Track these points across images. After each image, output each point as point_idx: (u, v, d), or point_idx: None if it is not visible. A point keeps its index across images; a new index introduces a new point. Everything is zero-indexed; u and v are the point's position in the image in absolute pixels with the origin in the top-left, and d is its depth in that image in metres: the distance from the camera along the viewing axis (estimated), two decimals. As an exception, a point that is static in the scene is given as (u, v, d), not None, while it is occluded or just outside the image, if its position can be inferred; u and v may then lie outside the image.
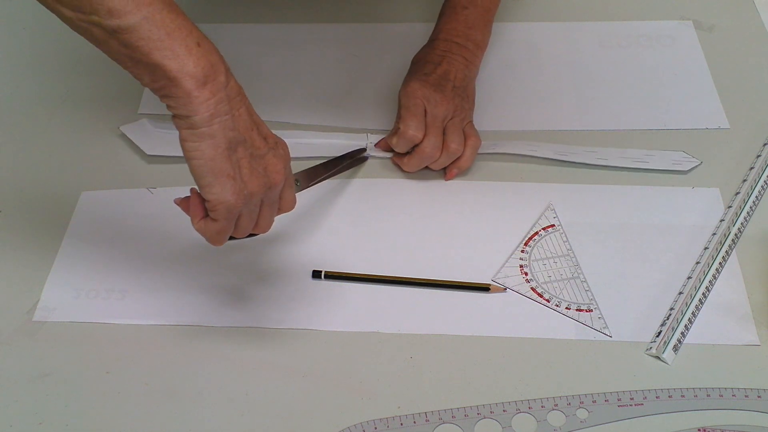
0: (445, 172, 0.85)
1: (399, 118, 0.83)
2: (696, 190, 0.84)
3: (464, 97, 0.84)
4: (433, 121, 0.82)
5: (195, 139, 0.58)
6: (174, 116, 0.58)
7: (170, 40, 0.56)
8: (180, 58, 0.56)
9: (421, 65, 0.85)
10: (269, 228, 0.66)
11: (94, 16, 0.55)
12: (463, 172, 0.85)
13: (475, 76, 0.88)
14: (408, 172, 0.85)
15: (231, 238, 0.64)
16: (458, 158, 0.83)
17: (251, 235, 0.65)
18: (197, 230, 0.63)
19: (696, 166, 0.86)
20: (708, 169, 0.86)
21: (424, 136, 0.81)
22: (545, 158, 0.86)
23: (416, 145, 0.82)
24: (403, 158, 0.84)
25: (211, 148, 0.58)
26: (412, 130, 0.81)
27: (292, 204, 0.67)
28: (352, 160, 0.85)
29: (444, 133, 0.82)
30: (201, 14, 1.03)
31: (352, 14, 1.03)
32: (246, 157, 0.60)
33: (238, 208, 0.60)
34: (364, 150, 0.87)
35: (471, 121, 0.85)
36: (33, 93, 0.94)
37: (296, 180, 0.71)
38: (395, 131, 0.83)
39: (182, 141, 0.59)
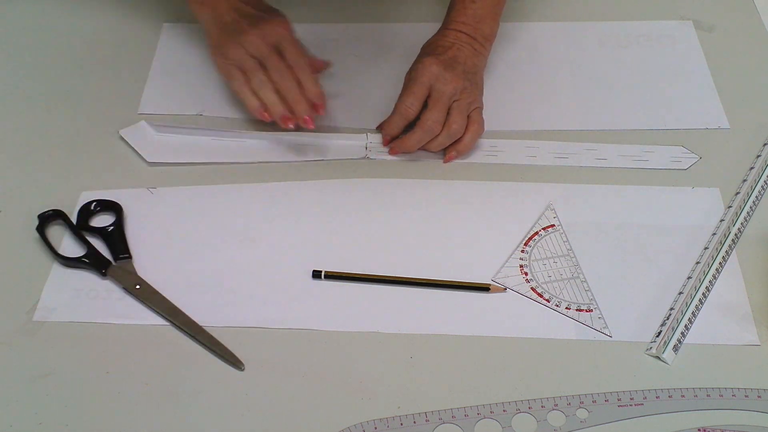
0: (444, 154, 0.85)
1: (403, 93, 0.85)
2: (696, 190, 0.84)
3: (473, 82, 0.85)
4: (440, 96, 0.83)
5: None
6: None
7: None
8: None
9: (432, 48, 0.86)
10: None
11: None
12: (461, 156, 0.86)
13: (483, 66, 0.88)
14: (408, 150, 0.85)
15: None
16: (458, 141, 0.84)
17: None
18: None
19: (695, 163, 0.86)
20: (708, 169, 0.86)
21: (428, 109, 0.83)
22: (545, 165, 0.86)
23: (418, 119, 0.84)
24: (404, 137, 0.85)
25: None
26: (414, 105, 0.83)
27: None
28: None
29: (448, 113, 0.83)
30: (201, 14, 1.03)
31: (352, 14, 1.03)
32: None
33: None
34: None
35: (478, 108, 0.86)
36: (33, 93, 0.94)
37: None
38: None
39: None
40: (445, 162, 0.86)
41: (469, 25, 0.87)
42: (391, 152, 0.86)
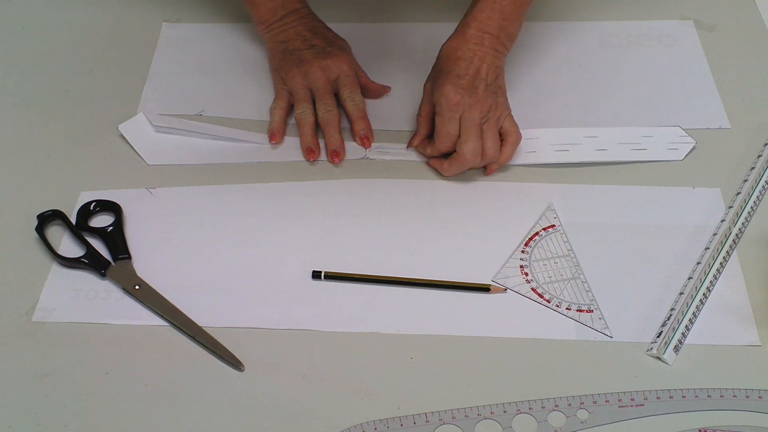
0: (484, 169, 0.85)
1: (432, 119, 0.83)
2: (697, 190, 0.84)
3: (497, 92, 0.83)
4: (470, 125, 0.81)
5: None
6: None
7: None
8: None
9: (453, 62, 0.82)
10: None
11: None
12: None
13: (503, 65, 0.85)
14: (446, 176, 0.84)
15: None
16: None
17: None
18: None
19: (691, 151, 0.86)
20: (709, 169, 0.86)
21: (463, 142, 0.81)
22: (546, 164, 0.86)
23: (455, 151, 0.82)
24: (443, 164, 0.84)
25: None
26: (450, 142, 0.82)
27: None
28: None
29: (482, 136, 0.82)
30: (202, 14, 1.03)
31: (353, 14, 1.03)
32: None
33: None
34: None
35: (509, 115, 0.84)
36: (33, 93, 0.94)
37: None
38: (423, 134, 0.85)
39: None
40: (486, 175, 0.85)
41: (495, 23, 0.82)
42: (429, 164, 0.86)
